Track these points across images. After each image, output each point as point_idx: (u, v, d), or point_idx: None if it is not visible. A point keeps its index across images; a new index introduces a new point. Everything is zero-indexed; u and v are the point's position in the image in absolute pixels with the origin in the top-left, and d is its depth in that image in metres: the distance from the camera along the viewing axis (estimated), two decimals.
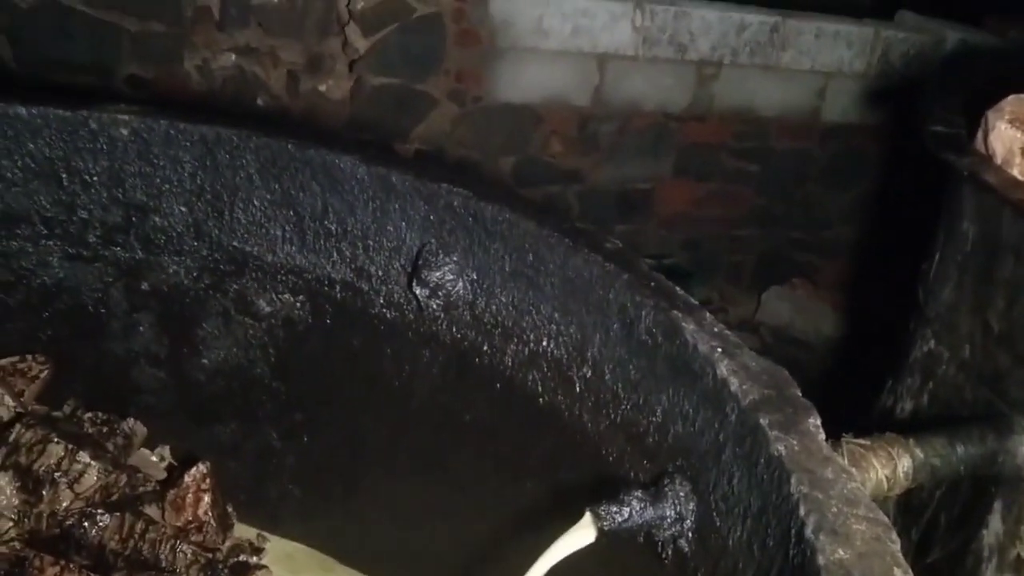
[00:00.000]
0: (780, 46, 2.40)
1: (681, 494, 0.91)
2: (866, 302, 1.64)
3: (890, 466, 0.97)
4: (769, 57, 2.41)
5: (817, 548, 0.68)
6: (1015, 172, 1.10)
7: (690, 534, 0.88)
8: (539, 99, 2.30)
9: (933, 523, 1.17)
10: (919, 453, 0.99)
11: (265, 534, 1.24)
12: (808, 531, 0.69)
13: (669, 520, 0.90)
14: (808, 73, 2.47)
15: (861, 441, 0.98)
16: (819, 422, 0.84)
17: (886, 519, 0.74)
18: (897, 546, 0.70)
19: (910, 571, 0.68)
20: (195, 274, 1.26)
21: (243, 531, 1.21)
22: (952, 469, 1.00)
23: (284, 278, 1.23)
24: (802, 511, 0.71)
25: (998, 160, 1.11)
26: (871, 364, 1.37)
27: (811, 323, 2.41)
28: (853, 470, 0.91)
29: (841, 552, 0.68)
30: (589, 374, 1.06)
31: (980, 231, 1.12)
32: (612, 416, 1.02)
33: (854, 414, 1.09)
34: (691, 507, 0.90)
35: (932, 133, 1.20)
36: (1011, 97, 1.13)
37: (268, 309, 1.27)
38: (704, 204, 2.60)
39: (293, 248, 1.22)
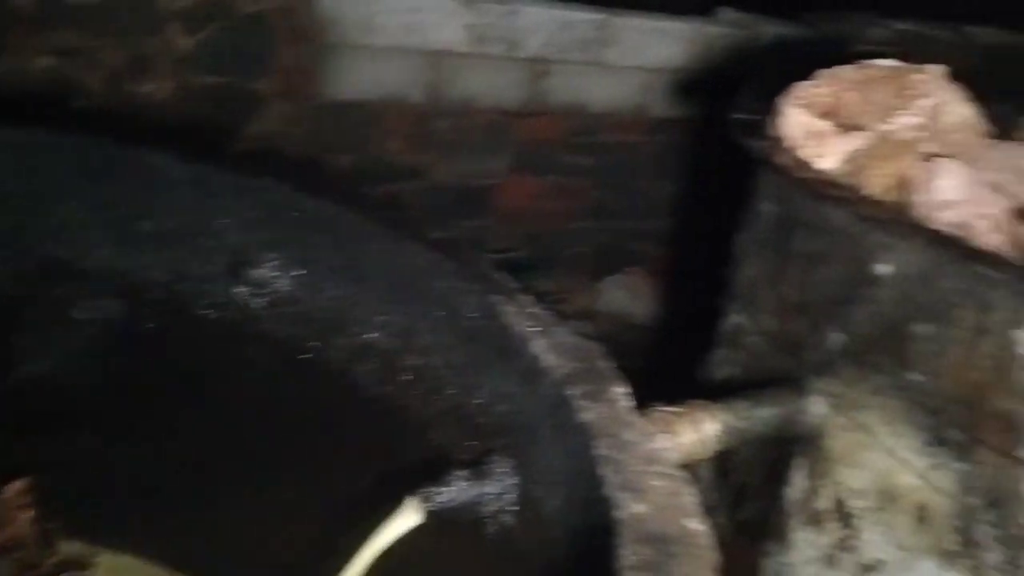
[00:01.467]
0: (607, 43, 2.49)
1: (502, 471, 0.94)
2: (694, 284, 1.73)
3: (698, 431, 1.03)
4: (597, 54, 2.49)
5: (617, 504, 0.72)
6: (805, 154, 1.19)
7: (512, 508, 0.92)
8: (374, 97, 2.30)
9: (745, 482, 1.25)
10: (725, 417, 1.06)
11: (95, 548, 1.20)
12: (609, 489, 0.74)
13: (492, 496, 0.93)
14: (635, 69, 2.56)
15: (671, 409, 1.05)
16: (626, 390, 0.89)
17: (683, 475, 0.79)
18: (693, 499, 0.76)
19: (704, 521, 0.73)
20: (9, 283, 1.20)
21: (71, 547, 1.17)
22: (756, 431, 1.08)
23: (103, 283, 1.20)
24: (604, 471, 0.76)
25: (790, 143, 1.20)
26: (698, 341, 1.45)
27: (646, 308, 2.51)
28: (657, 432, 0.97)
29: (639, 507, 0.72)
30: (417, 362, 1.08)
31: (776, 210, 1.21)
32: (441, 401, 1.05)
33: (681, 387, 1.15)
34: (512, 482, 0.93)
35: (733, 121, 1.29)
36: (800, 84, 1.22)
37: (88, 316, 1.23)
38: (543, 198, 2.66)
39: (111, 251, 1.19)
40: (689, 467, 1.18)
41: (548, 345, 0.95)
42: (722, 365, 1.31)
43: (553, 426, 0.90)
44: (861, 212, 1.05)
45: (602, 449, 0.80)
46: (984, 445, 0.96)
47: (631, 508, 0.73)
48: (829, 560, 1.11)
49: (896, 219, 1.05)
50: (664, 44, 2.56)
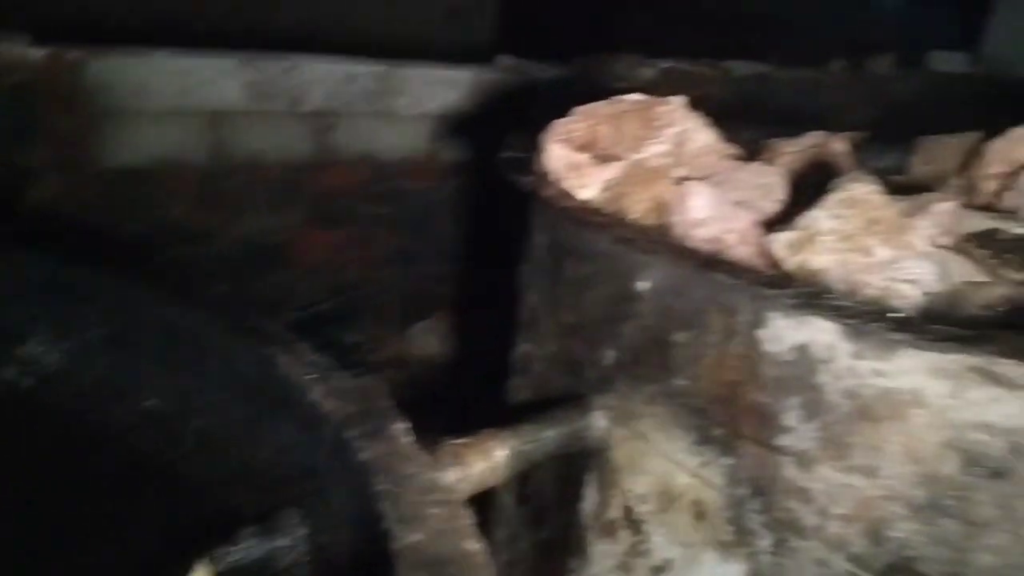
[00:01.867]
0: (393, 94, 2.53)
1: (292, 522, 0.94)
2: (493, 320, 1.78)
3: (488, 459, 1.06)
4: (384, 104, 2.53)
5: (395, 535, 0.73)
6: (568, 185, 1.26)
7: (304, 558, 0.91)
8: (155, 161, 2.24)
9: (544, 503, 1.29)
10: (513, 443, 1.09)
11: None
12: (388, 523, 0.75)
13: (284, 550, 0.92)
14: (422, 117, 2.62)
15: (461, 440, 1.07)
16: (406, 427, 0.91)
17: (460, 501, 0.81)
18: (468, 522, 0.78)
19: (481, 542, 0.76)
20: None
21: None
22: (544, 452, 1.12)
23: None
24: (383, 506, 0.77)
25: (554, 177, 1.27)
26: (498, 373, 1.48)
27: (455, 349, 2.54)
28: (445, 463, 0.99)
29: (416, 535, 0.74)
30: (199, 423, 1.06)
31: (547, 240, 1.27)
32: (226, 460, 1.03)
33: (485, 419, 1.17)
34: (302, 533, 0.93)
35: (503, 160, 1.34)
36: (559, 121, 1.30)
37: None
38: (343, 250, 2.66)
39: None
40: (487, 495, 1.22)
41: (326, 391, 0.96)
42: (515, 393, 1.35)
43: (336, 470, 0.90)
44: (619, 235, 1.12)
45: (381, 485, 0.81)
46: (745, 438, 1.04)
47: (409, 538, 0.74)
48: (624, 568, 1.16)
49: (649, 239, 1.12)
50: (448, 92, 2.63)
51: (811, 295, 0.97)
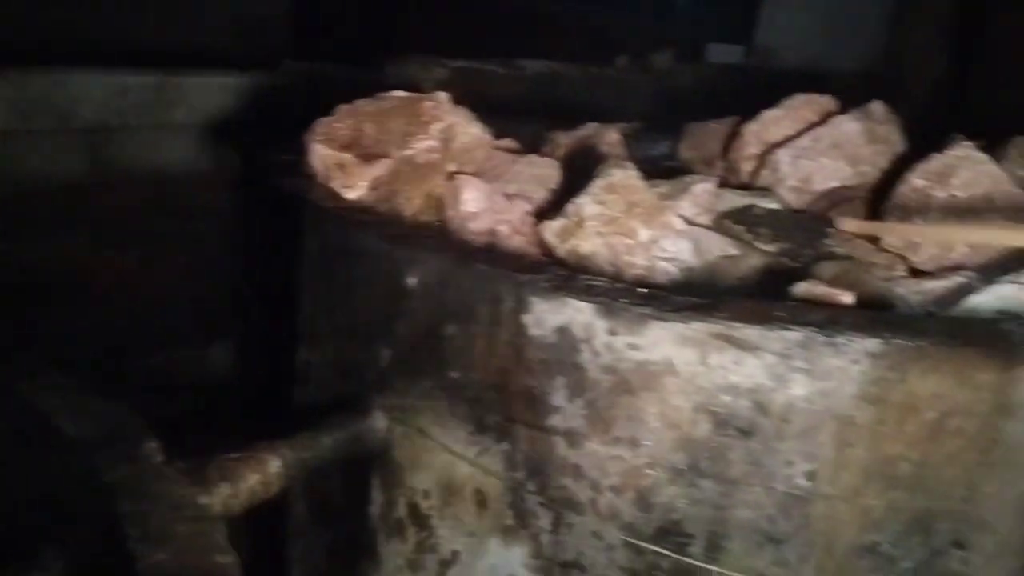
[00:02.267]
0: (171, 104, 2.42)
1: (53, 558, 0.88)
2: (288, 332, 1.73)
3: (261, 471, 1.03)
4: (162, 116, 2.42)
5: (138, 555, 0.70)
6: (335, 185, 1.24)
7: None
8: None
9: (332, 508, 1.27)
10: (288, 452, 1.07)
11: None
12: (132, 543, 0.71)
13: None
14: (204, 127, 2.53)
15: (232, 456, 1.04)
16: (157, 447, 0.87)
17: (212, 516, 0.79)
18: (220, 536, 0.75)
19: (231, 553, 0.73)
20: None
21: None
22: (323, 458, 1.10)
23: None
24: (128, 527, 0.73)
25: (320, 178, 1.25)
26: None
27: (256, 364, 2.47)
28: (214, 481, 0.95)
29: (160, 554, 0.70)
30: None
31: (318, 243, 1.25)
32: None
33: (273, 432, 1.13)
34: (59, 567, 0.87)
35: (269, 164, 1.31)
36: (320, 120, 1.28)
37: None
38: (134, 272, 2.52)
39: None
40: (280, 506, 1.18)
41: (78, 418, 0.90)
42: (298, 401, 1.33)
43: (87, 495, 0.85)
44: (384, 233, 1.12)
45: (128, 507, 0.77)
46: (518, 423, 1.05)
47: (153, 556, 0.71)
48: (414, 565, 1.16)
49: (414, 235, 1.13)
50: (230, 99, 2.55)
51: (565, 278, 1.00)
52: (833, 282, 1.23)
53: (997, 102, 3.25)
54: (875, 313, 1.00)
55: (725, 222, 1.46)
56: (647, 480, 1.01)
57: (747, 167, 1.67)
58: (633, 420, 1.00)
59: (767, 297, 1.08)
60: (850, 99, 1.67)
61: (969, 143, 1.33)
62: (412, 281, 1.10)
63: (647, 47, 3.65)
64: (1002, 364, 0.94)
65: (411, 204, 1.33)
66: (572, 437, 1.03)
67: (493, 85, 3.08)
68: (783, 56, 3.91)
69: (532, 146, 1.70)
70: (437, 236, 1.15)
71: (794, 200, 1.56)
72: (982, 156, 1.32)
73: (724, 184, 1.65)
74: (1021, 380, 0.96)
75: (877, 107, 1.59)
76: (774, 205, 1.51)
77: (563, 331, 1.00)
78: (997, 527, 1.01)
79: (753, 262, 1.34)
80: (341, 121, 1.28)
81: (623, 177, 1.28)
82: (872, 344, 0.93)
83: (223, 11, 3.36)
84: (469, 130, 1.38)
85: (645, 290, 0.97)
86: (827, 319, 0.93)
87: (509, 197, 1.42)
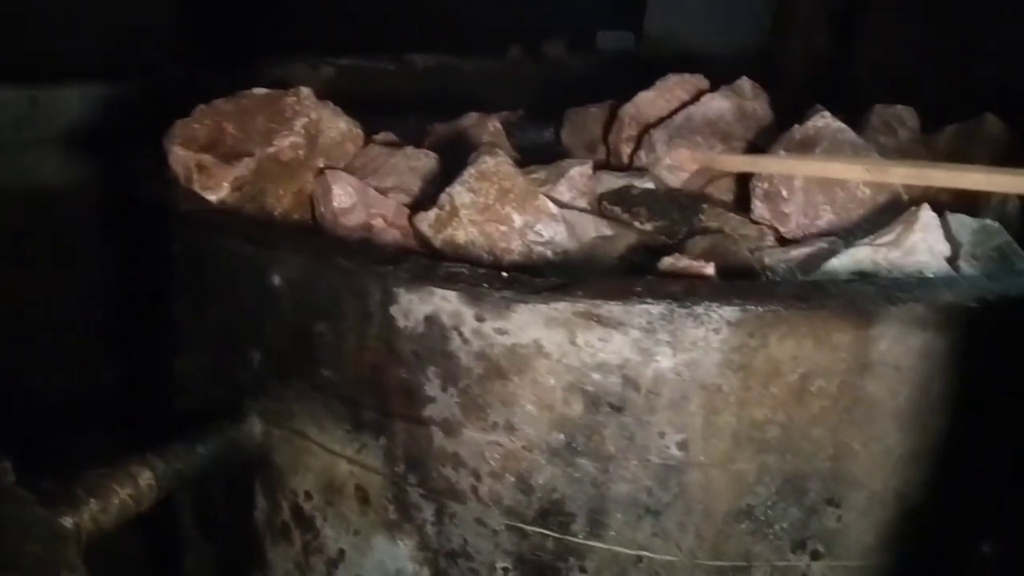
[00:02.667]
0: (43, 119, 2.34)
1: None
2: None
3: (131, 485, 1.00)
4: (35, 131, 2.33)
5: None
6: (196, 188, 1.21)
7: None
8: None
9: (218, 518, 1.24)
10: (160, 464, 1.04)
11: None
12: None
13: None
14: (78, 140, 2.44)
15: (100, 471, 1.00)
16: (7, 467, 0.83)
17: (65, 535, 0.76)
18: (72, 556, 0.73)
19: (81, 571, 0.71)
20: None
21: None
22: (199, 468, 1.08)
23: None
24: None
25: (182, 181, 1.21)
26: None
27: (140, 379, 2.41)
28: (76, 497, 0.92)
29: None
30: None
31: (184, 249, 1.21)
32: None
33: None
34: None
35: (129, 170, 1.27)
36: (178, 121, 1.24)
37: None
38: (11, 295, 2.42)
39: None
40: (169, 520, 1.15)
41: None
42: (175, 411, 1.29)
43: None
44: (246, 234, 1.09)
45: None
46: (394, 416, 1.04)
47: None
48: (302, 568, 1.14)
49: (276, 234, 1.11)
50: (107, 111, 2.47)
51: (427, 267, 0.99)
52: (703, 255, 1.25)
53: (877, 76, 3.36)
54: (732, 282, 1.02)
55: (603, 203, 1.47)
56: (525, 463, 1.01)
57: (626, 149, 1.69)
58: (508, 404, 1.00)
59: (633, 273, 1.09)
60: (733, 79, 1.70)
61: (828, 114, 1.37)
62: (277, 281, 1.08)
63: (539, 37, 3.66)
64: (857, 324, 0.97)
65: (281, 203, 1.31)
66: (449, 426, 1.02)
67: (383, 81, 3.06)
68: (674, 41, 3.97)
69: (416, 139, 1.69)
70: (299, 234, 1.13)
71: (671, 179, 1.58)
72: (841, 126, 1.35)
73: (602, 167, 1.67)
74: (877, 338, 0.99)
75: (745, 83, 1.63)
76: (650, 185, 1.53)
77: (431, 321, 1.00)
78: (867, 482, 1.04)
79: (630, 241, 1.36)
80: (200, 121, 1.25)
81: (495, 164, 1.28)
82: (730, 312, 0.94)
83: (102, 20, 3.26)
84: (336, 124, 1.36)
85: (507, 274, 0.97)
86: (685, 291, 0.95)
87: (385, 191, 1.41)
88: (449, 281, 0.97)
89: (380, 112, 2.08)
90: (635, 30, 4.08)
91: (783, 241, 1.35)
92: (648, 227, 1.41)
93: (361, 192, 1.32)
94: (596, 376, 0.97)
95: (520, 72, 3.42)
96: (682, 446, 0.99)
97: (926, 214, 1.12)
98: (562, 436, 1.00)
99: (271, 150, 1.25)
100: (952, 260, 1.13)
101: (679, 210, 1.45)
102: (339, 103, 1.44)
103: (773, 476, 1.01)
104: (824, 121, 1.35)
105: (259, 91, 1.31)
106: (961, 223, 1.18)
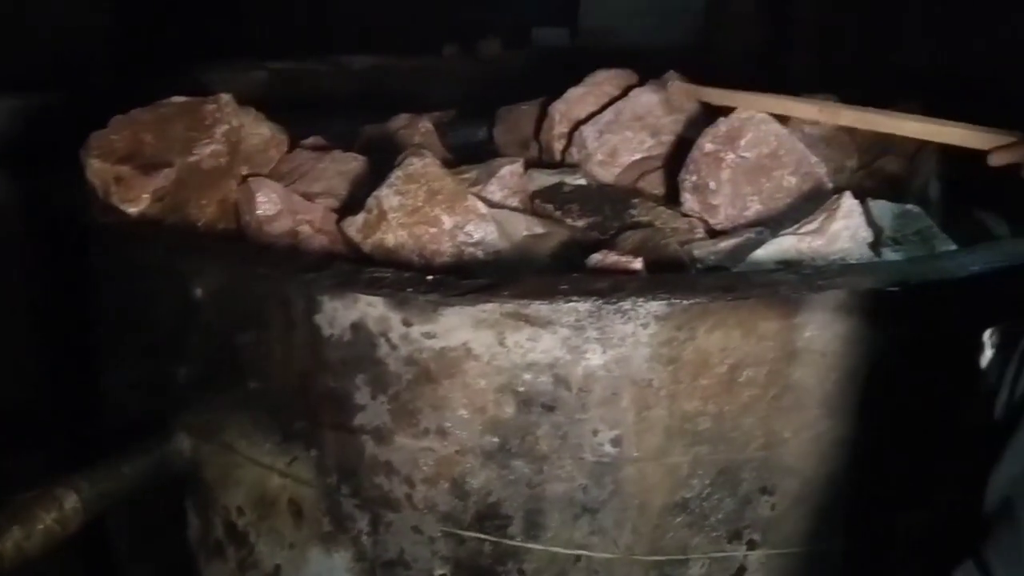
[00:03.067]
0: None
1: None
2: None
3: (56, 509, 0.97)
4: None
5: None
6: (115, 201, 1.18)
7: None
8: None
9: (152, 538, 1.21)
10: (85, 486, 1.01)
11: None
12: None
13: None
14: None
15: (24, 495, 0.97)
16: None
17: None
18: None
19: None
20: None
21: None
22: (126, 487, 1.05)
23: None
24: None
25: (100, 194, 1.18)
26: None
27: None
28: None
29: None
30: None
31: (103, 262, 1.18)
32: None
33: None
34: None
35: (48, 185, 1.23)
36: (95, 133, 1.21)
37: None
38: None
39: None
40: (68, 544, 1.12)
41: None
42: (102, 429, 1.26)
43: None
44: (166, 246, 1.07)
45: None
46: (325, 426, 1.03)
47: None
48: None
49: (196, 245, 1.08)
50: (30, 123, 2.40)
51: (350, 273, 0.98)
52: (633, 250, 1.26)
53: (810, 65, 3.41)
54: (658, 276, 1.02)
55: (536, 201, 1.47)
56: (459, 468, 1.00)
57: (558, 146, 1.69)
58: (439, 409, 0.99)
59: (563, 271, 1.09)
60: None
61: None
62: (199, 293, 1.05)
63: (475, 35, 3.65)
64: (782, 312, 0.98)
65: (205, 213, 1.28)
66: (380, 434, 1.01)
67: (318, 83, 3.02)
68: (610, 35, 3.98)
69: (347, 142, 1.67)
70: (220, 243, 1.10)
71: (603, 174, 1.58)
72: (765, 116, 1.36)
73: (535, 164, 1.66)
74: (802, 326, 0.99)
75: (672, 77, 1.63)
76: (582, 181, 1.53)
77: (357, 327, 0.98)
78: (800, 469, 1.05)
79: (562, 238, 1.35)
80: (117, 133, 1.22)
81: (422, 165, 1.27)
82: (657, 307, 0.94)
83: (32, 28, 3.17)
84: (259, 130, 1.33)
85: (432, 277, 0.96)
86: (611, 287, 0.95)
87: (313, 196, 1.38)
88: (373, 286, 0.96)
89: (316, 115, 2.05)
90: (571, 26, 4.09)
91: (713, 233, 1.35)
92: (580, 223, 1.41)
93: (286, 199, 1.30)
94: (527, 376, 0.97)
95: (457, 70, 3.41)
96: (616, 442, 0.99)
97: (848, 202, 1.14)
98: (495, 438, 0.99)
99: (192, 159, 1.22)
100: (875, 246, 1.14)
101: (611, 205, 1.45)
102: (273, 107, 1.42)
103: (707, 468, 1.01)
104: (748, 113, 1.36)
105: (178, 99, 1.28)
106: (883, 209, 1.19)
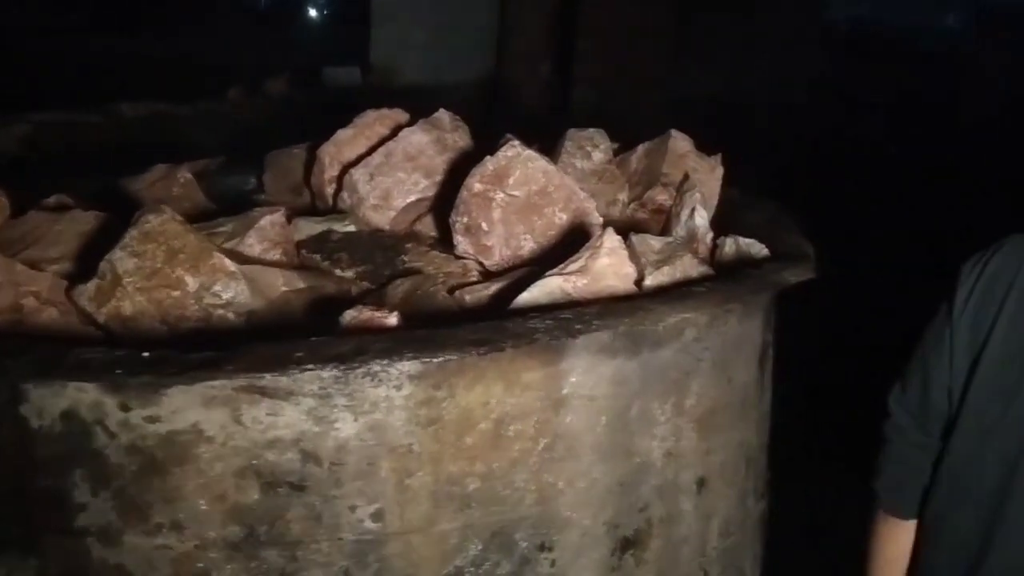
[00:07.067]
0: None
1: None
2: None
3: None
4: None
5: None
6: None
7: None
8: None
9: None
10: None
11: None
12: None
13: None
14: None
15: None
16: None
17: None
18: None
19: None
20: None
21: None
22: None
23: None
24: None
25: None
26: None
27: None
28: None
29: None
30: None
31: None
32: None
33: None
34: None
35: None
36: None
37: None
38: None
39: None
40: None
41: None
42: None
43: None
44: None
45: None
46: (43, 530, 0.89)
47: None
48: None
49: None
50: None
51: (53, 356, 0.85)
52: (403, 301, 1.19)
53: (591, 100, 3.49)
54: (407, 332, 0.95)
55: (302, 252, 1.38)
56: (202, 564, 0.89)
57: (329, 191, 1.60)
58: (171, 501, 0.87)
59: (312, 331, 1.00)
60: (464, 109, 1.64)
61: (518, 143, 1.34)
62: None
63: (263, 76, 3.52)
64: (543, 360, 0.93)
65: None
66: (107, 535, 0.88)
67: (88, 135, 2.80)
68: (400, 73, 3.94)
69: (101, 199, 1.52)
70: None
71: (377, 219, 1.51)
72: (532, 153, 1.33)
73: (307, 211, 1.57)
74: (567, 372, 0.95)
75: (443, 115, 1.58)
76: (351, 228, 1.45)
77: (69, 416, 0.86)
78: (578, 519, 1.00)
79: (327, 291, 1.27)
80: None
81: (160, 223, 1.15)
82: (409, 366, 0.88)
83: None
84: None
85: (147, 354, 0.85)
86: (354, 349, 0.87)
87: (44, 262, 1.24)
88: (80, 370, 0.83)
89: (85, 169, 1.87)
90: (361, 64, 4.02)
91: (488, 275, 1.30)
92: (350, 273, 1.33)
93: (7, 269, 1.15)
94: (270, 455, 0.87)
95: (241, 113, 3.27)
96: (377, 516, 0.91)
97: (610, 239, 1.11)
98: (240, 528, 0.88)
99: None
100: (639, 281, 1.12)
101: (382, 252, 1.38)
102: (38, 162, 1.26)
103: (479, 532, 0.95)
104: (515, 151, 1.33)
105: None
106: (645, 243, 1.18)
